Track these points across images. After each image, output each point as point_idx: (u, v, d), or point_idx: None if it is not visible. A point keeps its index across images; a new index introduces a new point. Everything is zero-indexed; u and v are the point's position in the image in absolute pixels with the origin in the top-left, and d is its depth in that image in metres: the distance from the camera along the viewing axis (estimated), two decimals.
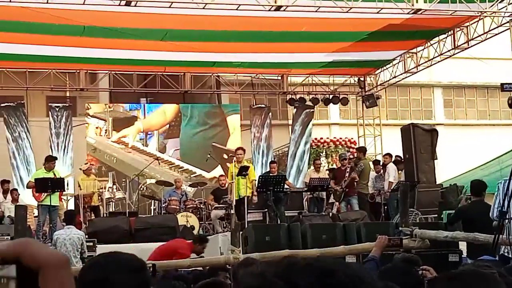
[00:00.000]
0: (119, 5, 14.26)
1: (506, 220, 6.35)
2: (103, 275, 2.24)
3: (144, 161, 20.62)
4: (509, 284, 2.24)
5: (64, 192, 15.51)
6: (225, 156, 20.86)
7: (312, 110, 22.08)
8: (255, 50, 18.43)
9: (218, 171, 20.17)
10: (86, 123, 21.06)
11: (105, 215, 16.54)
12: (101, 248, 11.84)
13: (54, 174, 14.50)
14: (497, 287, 1.97)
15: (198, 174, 21.13)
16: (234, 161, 15.42)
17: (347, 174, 16.34)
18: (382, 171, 17.11)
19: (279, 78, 21.87)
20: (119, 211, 17.65)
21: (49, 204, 13.94)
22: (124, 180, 19.56)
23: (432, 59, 19.41)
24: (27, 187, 15.09)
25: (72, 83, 20.15)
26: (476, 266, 3.28)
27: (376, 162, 17.88)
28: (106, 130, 21.12)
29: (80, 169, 16.92)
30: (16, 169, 19.42)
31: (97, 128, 21.06)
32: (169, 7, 14.47)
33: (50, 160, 14.80)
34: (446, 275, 2.09)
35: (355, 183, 16.35)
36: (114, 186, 18.74)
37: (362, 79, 21.95)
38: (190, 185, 19.09)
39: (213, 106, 23.00)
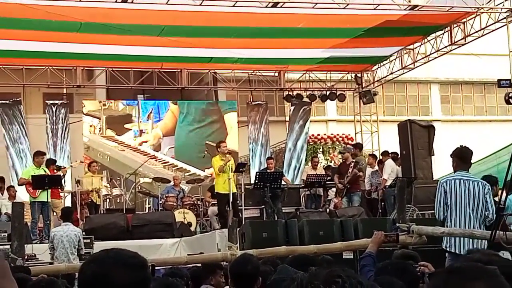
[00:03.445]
0: (116, 1, 14.25)
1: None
2: (103, 270, 2.25)
3: (137, 160, 20.55)
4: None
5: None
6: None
7: (309, 106, 22.08)
8: (252, 46, 18.41)
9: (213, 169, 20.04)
10: (83, 120, 21.00)
11: (102, 212, 16.53)
12: (98, 245, 11.85)
13: (44, 171, 14.49)
14: (496, 281, 1.97)
15: (192, 172, 20.96)
16: (219, 153, 14.72)
17: (350, 169, 16.32)
18: (378, 168, 17.12)
19: (276, 74, 21.85)
20: (116, 208, 17.65)
21: (43, 200, 13.98)
22: (118, 178, 19.49)
23: (429, 55, 19.41)
24: (19, 184, 15.05)
25: (68, 80, 20.10)
26: (487, 254, 3.26)
27: (372, 156, 17.91)
28: (100, 128, 21.03)
29: (71, 166, 16.85)
30: (13, 167, 19.40)
31: (91, 126, 20.95)
32: (166, 3, 14.46)
33: (39, 155, 14.79)
34: (446, 269, 2.09)
35: (359, 179, 16.36)
36: (109, 184, 18.66)
37: (359, 75, 21.95)
38: (187, 182, 19.07)
39: (210, 102, 22.95)
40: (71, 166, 16.54)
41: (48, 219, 14.20)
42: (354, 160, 16.48)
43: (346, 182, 16.27)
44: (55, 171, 15.19)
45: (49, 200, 14.13)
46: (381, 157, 17.55)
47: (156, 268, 7.54)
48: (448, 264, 7.07)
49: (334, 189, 17.32)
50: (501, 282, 1.97)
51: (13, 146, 19.54)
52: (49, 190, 14.18)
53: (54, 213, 14.73)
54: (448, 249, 7.26)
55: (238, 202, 14.70)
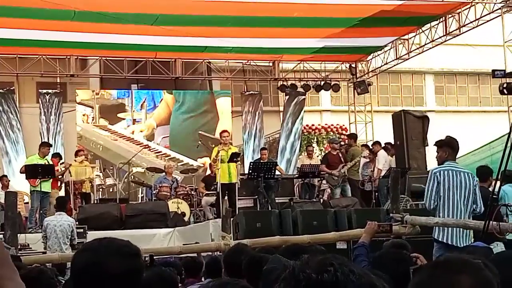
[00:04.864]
0: None
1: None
2: (96, 259, 2.25)
3: (130, 149, 20.49)
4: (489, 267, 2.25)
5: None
6: (212, 145, 20.63)
7: (303, 96, 22.06)
8: (246, 35, 18.33)
9: (206, 159, 20.02)
10: (76, 109, 20.93)
11: (95, 201, 16.49)
12: (92, 235, 11.82)
13: (47, 161, 14.50)
14: (481, 274, 1.96)
15: (185, 162, 20.94)
16: (221, 143, 14.71)
17: (341, 159, 16.33)
18: (370, 158, 17.12)
19: (271, 64, 21.82)
20: (109, 198, 17.61)
21: (43, 190, 13.98)
22: (111, 168, 19.45)
23: (423, 45, 19.38)
24: (21, 172, 15.06)
25: (62, 69, 20.03)
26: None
27: (365, 146, 17.90)
28: (93, 117, 20.96)
29: (75, 160, 16.77)
30: (6, 156, 19.34)
31: (84, 115, 20.89)
32: None
33: (45, 146, 14.82)
34: (431, 263, 2.10)
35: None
36: (102, 174, 18.59)
37: (353, 65, 21.93)
38: (181, 172, 19.04)
39: (206, 92, 22.90)
40: (75, 161, 16.53)
41: (43, 209, 14.18)
42: (340, 150, 16.54)
43: (343, 173, 16.31)
44: (59, 164, 15.27)
45: (46, 190, 14.15)
46: (372, 147, 17.54)
47: None
48: (435, 252, 7.09)
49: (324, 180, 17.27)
50: (486, 275, 1.97)
51: (6, 135, 19.47)
52: (50, 180, 14.23)
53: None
54: (440, 239, 7.26)
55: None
